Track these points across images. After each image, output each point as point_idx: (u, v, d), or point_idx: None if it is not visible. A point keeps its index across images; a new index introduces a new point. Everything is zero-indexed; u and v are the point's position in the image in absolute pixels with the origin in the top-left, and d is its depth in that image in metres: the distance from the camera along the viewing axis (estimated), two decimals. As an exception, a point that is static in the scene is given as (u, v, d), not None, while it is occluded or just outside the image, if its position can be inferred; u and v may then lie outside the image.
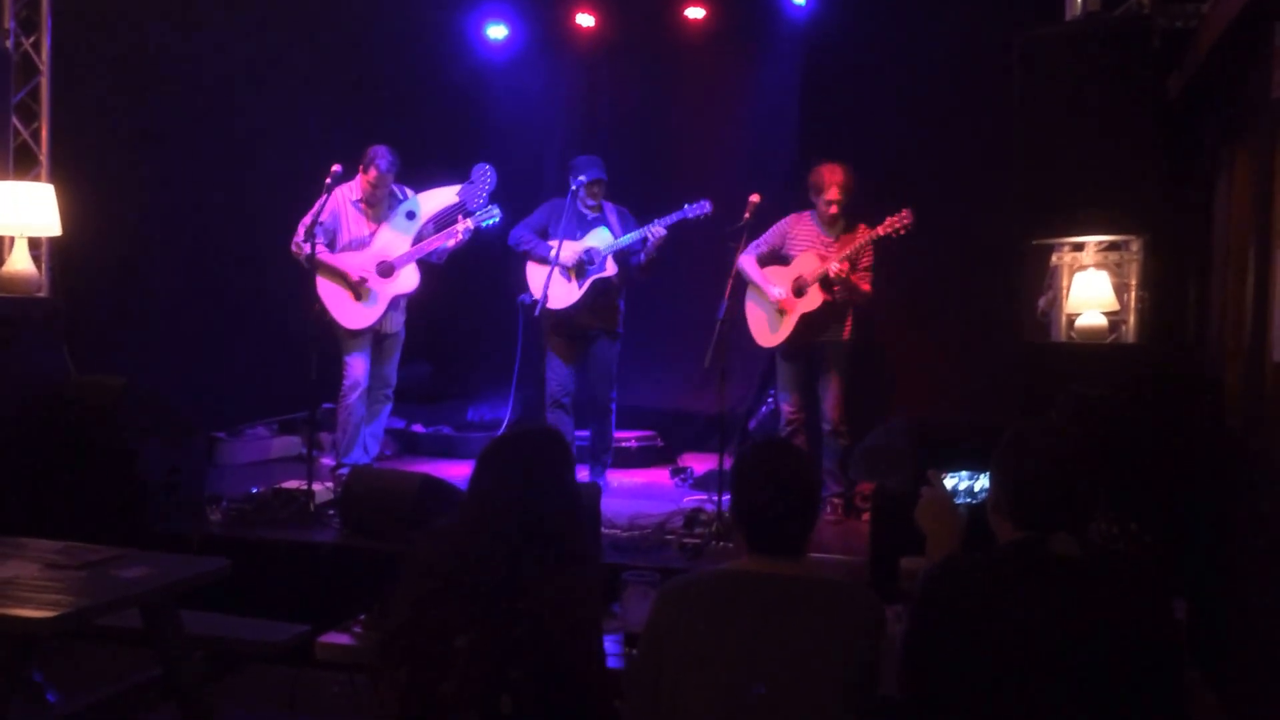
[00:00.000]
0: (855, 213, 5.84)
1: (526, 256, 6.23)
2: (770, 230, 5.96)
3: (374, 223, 6.21)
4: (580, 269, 6.11)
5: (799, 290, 5.80)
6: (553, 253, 6.04)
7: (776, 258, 5.96)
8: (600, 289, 6.15)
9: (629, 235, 6.06)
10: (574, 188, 6.04)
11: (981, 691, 2.22)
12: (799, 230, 5.92)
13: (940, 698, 2.31)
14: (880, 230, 5.60)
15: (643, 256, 6.07)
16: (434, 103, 8.05)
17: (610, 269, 6.10)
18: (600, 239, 6.12)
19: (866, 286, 5.76)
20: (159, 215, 6.77)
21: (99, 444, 5.27)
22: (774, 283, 5.88)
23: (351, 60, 7.85)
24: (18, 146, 6.24)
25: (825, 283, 5.69)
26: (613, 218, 6.20)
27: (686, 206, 5.92)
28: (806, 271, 5.76)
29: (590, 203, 6.16)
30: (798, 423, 5.99)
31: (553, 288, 6.03)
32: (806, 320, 5.79)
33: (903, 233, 5.58)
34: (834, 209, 5.77)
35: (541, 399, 6.38)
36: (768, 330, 5.98)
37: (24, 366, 5.48)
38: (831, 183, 5.71)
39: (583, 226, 6.17)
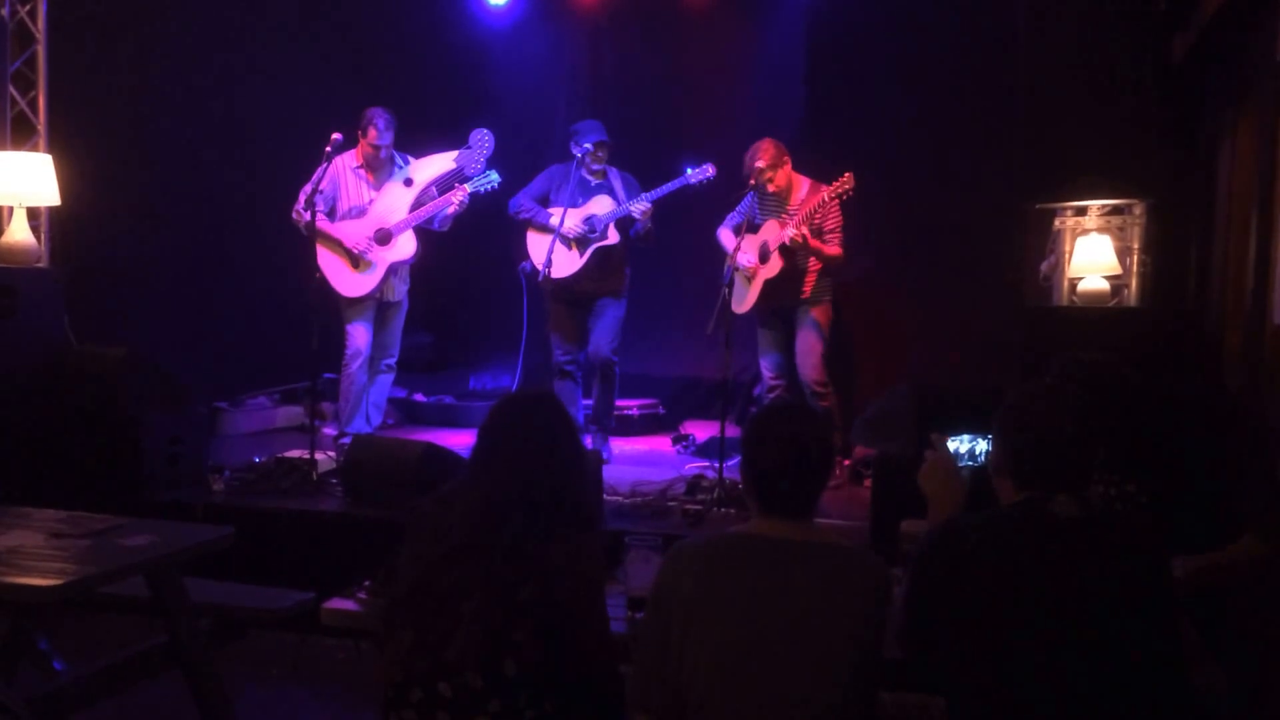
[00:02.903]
0: (835, 175, 5.83)
1: (527, 225, 6.21)
2: (742, 201, 6.00)
3: (373, 189, 6.19)
4: (583, 240, 6.08)
5: (764, 256, 5.83)
6: (554, 219, 6.03)
7: (752, 226, 5.97)
8: (602, 256, 6.13)
9: (626, 204, 6.04)
10: (579, 155, 6.04)
11: (982, 652, 2.23)
12: (763, 200, 5.95)
13: (940, 658, 2.32)
14: (825, 194, 5.62)
15: (639, 228, 6.07)
16: (436, 69, 8.00)
17: (612, 237, 6.08)
18: (602, 206, 6.09)
19: (835, 249, 5.77)
20: (158, 184, 6.74)
21: (100, 414, 5.27)
22: (744, 250, 5.90)
23: (352, 26, 7.80)
24: (15, 116, 6.20)
25: (784, 250, 5.70)
26: (617, 184, 6.16)
27: (689, 171, 5.93)
28: (770, 238, 5.80)
29: (595, 168, 6.12)
30: (780, 387, 6.05)
31: (555, 256, 6.02)
32: (769, 285, 5.84)
33: (847, 195, 5.59)
34: (770, 186, 5.80)
35: (546, 366, 6.39)
36: (740, 297, 6.02)
37: (25, 337, 5.47)
38: (756, 165, 5.74)
39: (585, 194, 6.15)
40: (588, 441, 6.33)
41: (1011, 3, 4.98)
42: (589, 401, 6.45)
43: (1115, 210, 5.41)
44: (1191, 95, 5.12)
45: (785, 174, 5.80)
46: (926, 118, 6.64)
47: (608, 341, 6.25)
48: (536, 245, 6.15)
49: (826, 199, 5.60)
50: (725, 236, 6.03)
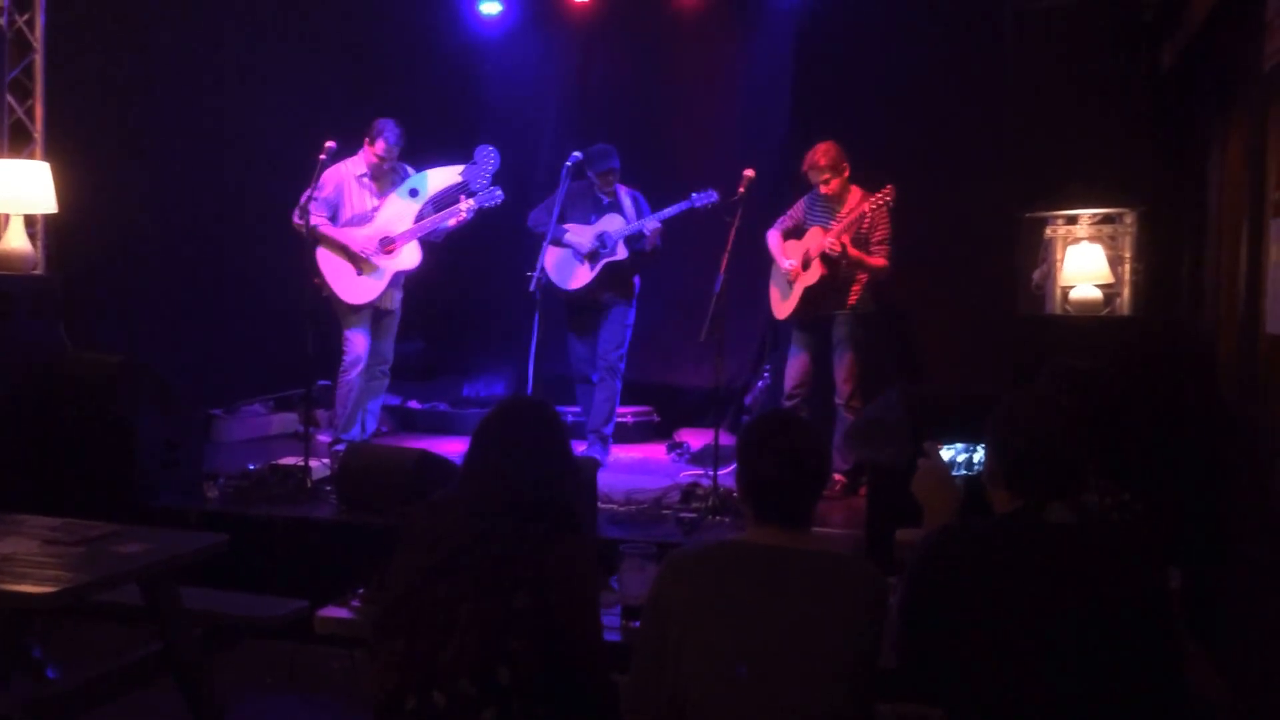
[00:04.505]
0: (861, 184, 5.84)
1: (544, 239, 6.34)
2: (794, 206, 6.04)
3: (377, 198, 6.22)
4: (594, 255, 6.33)
5: (806, 263, 5.83)
6: (569, 236, 6.32)
7: (799, 231, 6.00)
8: (612, 270, 6.36)
9: (638, 223, 6.27)
10: (566, 165, 6.12)
11: (977, 661, 2.23)
12: (813, 205, 5.97)
13: (936, 667, 2.32)
14: (866, 207, 5.62)
15: (645, 245, 6.26)
16: (427, 78, 8.01)
17: (621, 253, 6.31)
18: (613, 224, 6.32)
19: (880, 260, 5.74)
20: (155, 191, 6.74)
21: (96, 420, 5.27)
22: (788, 256, 5.94)
23: (345, 35, 7.81)
24: (12, 124, 6.20)
25: (825, 259, 5.71)
26: (626, 202, 6.38)
27: (694, 195, 6.07)
28: (812, 245, 5.80)
29: (604, 187, 6.36)
30: (799, 398, 5.98)
31: (566, 270, 6.36)
32: (808, 293, 5.82)
33: (888, 206, 5.60)
34: (824, 188, 5.81)
35: (540, 373, 6.43)
36: (780, 301, 6.03)
37: (20, 344, 5.47)
38: (815, 162, 5.77)
39: (598, 212, 6.39)
40: (579, 447, 6.41)
41: (1000, 12, 4.99)
42: (628, 409, 6.77)
43: (1106, 219, 5.43)
44: (1180, 104, 5.13)
45: (841, 181, 5.81)
46: (915, 127, 6.64)
47: (613, 346, 6.45)
48: (551, 257, 6.37)
49: (868, 210, 5.62)
50: (773, 239, 6.03)
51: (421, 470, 4.95)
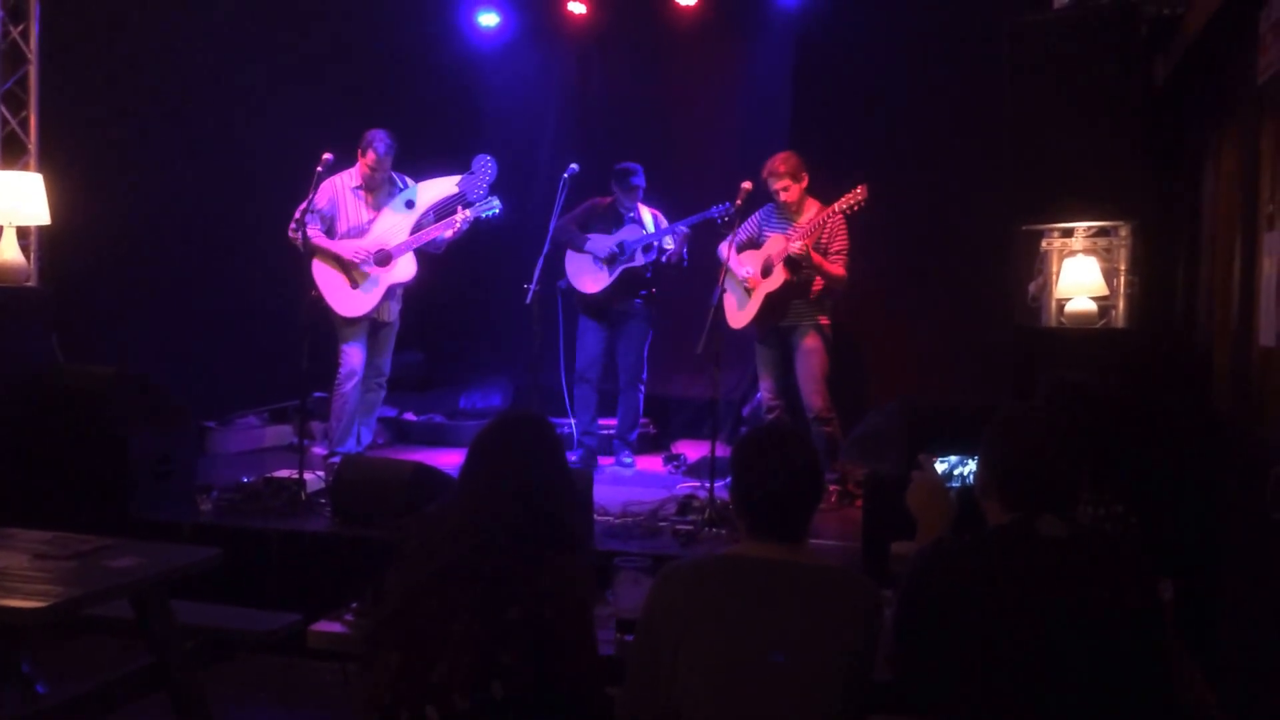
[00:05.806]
0: (823, 195, 5.87)
1: (567, 246, 6.59)
2: (749, 219, 6.09)
3: (373, 210, 6.22)
4: (612, 259, 6.54)
5: (766, 270, 5.87)
6: (588, 245, 6.59)
7: (754, 245, 6.06)
8: (629, 278, 6.55)
9: (656, 232, 6.50)
10: (564, 176, 6.13)
11: (971, 673, 2.23)
12: (769, 217, 6.05)
13: (930, 680, 2.32)
14: (836, 206, 5.67)
15: (668, 258, 6.44)
16: (425, 90, 8.05)
17: (639, 260, 6.52)
18: (631, 234, 6.56)
19: (840, 270, 5.81)
20: (149, 203, 6.74)
21: (88, 433, 5.25)
22: (745, 264, 5.99)
23: (343, 46, 7.82)
24: (6, 135, 6.20)
25: (789, 262, 5.73)
26: (645, 217, 6.63)
27: (714, 208, 6.16)
28: (774, 252, 5.85)
29: (626, 203, 6.58)
30: (778, 409, 6.05)
31: (586, 274, 6.64)
32: (769, 300, 5.87)
33: (859, 208, 5.65)
34: (782, 195, 5.89)
35: (536, 382, 6.46)
36: (737, 310, 6.08)
37: (12, 355, 5.46)
38: (774, 169, 5.86)
39: (618, 223, 6.63)
40: (578, 457, 6.57)
41: (997, 26, 5.00)
42: (610, 421, 6.90)
43: (1101, 232, 5.43)
44: (1175, 117, 5.15)
45: (799, 190, 5.89)
46: (912, 139, 6.67)
47: (634, 364, 6.73)
48: (572, 264, 6.67)
49: (836, 211, 5.68)
50: (725, 249, 6.05)
51: (417, 483, 4.94)
